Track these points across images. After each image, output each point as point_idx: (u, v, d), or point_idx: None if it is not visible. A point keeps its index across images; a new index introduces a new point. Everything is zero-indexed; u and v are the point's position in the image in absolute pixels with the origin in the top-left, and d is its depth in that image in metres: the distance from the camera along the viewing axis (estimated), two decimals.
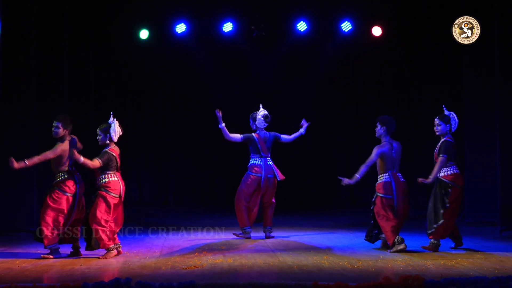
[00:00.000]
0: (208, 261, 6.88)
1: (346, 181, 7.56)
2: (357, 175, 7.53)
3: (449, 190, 7.54)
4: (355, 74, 12.66)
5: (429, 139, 11.72)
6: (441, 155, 7.56)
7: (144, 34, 11.48)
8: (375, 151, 7.64)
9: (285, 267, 6.55)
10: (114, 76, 12.15)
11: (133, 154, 12.57)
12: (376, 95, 12.66)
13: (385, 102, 12.52)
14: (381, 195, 7.55)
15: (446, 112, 7.77)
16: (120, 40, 11.73)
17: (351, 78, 12.71)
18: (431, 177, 7.55)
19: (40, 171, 9.31)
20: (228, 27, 11.66)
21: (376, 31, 11.60)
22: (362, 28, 11.78)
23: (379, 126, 7.76)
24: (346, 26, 11.68)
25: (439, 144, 7.70)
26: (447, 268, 6.44)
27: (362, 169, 7.56)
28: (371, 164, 7.62)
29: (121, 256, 7.22)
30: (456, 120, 7.75)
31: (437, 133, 7.73)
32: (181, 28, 11.58)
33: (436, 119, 7.73)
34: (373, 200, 7.69)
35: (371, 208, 7.70)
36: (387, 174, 7.58)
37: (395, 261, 6.84)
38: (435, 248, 7.52)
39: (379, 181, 7.63)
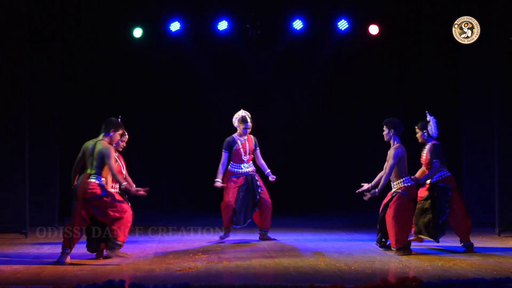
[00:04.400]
0: (202, 262, 6.89)
1: (368, 195, 7.52)
2: (377, 189, 7.51)
3: (449, 193, 7.62)
4: (352, 73, 12.65)
5: None
6: (434, 161, 7.63)
7: (137, 32, 11.42)
8: (392, 153, 7.53)
9: (281, 269, 6.56)
10: (106, 75, 12.10)
11: (127, 154, 12.52)
12: (373, 94, 12.67)
13: (382, 102, 12.53)
14: (409, 197, 7.47)
15: (428, 117, 7.82)
16: (113, 39, 11.67)
17: (347, 77, 12.70)
18: (425, 181, 7.64)
19: (32, 172, 9.30)
20: (223, 25, 11.63)
21: (373, 29, 11.58)
22: (359, 27, 11.76)
23: (386, 130, 7.68)
24: (342, 24, 11.66)
25: (427, 148, 7.77)
26: (445, 270, 6.46)
27: (384, 179, 7.48)
28: (393, 170, 7.50)
29: (115, 258, 7.18)
30: (435, 124, 7.81)
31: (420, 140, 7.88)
32: (175, 26, 11.54)
33: (416, 127, 7.86)
34: (391, 201, 7.54)
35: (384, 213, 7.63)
36: (407, 177, 7.54)
37: (392, 263, 6.86)
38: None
39: (404, 184, 7.50)
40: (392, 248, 7.46)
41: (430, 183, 7.74)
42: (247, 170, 8.61)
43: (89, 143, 7.14)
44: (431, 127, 7.80)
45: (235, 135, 8.67)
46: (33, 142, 9.36)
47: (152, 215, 11.38)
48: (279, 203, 12.39)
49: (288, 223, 10.43)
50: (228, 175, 8.62)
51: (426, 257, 7.21)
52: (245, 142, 8.63)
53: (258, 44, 12.14)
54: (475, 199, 9.85)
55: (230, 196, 8.46)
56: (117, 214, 7.01)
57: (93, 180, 6.99)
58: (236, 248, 7.92)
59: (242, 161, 8.59)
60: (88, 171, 7.02)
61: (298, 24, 11.73)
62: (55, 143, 10.14)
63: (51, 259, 7.12)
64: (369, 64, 12.48)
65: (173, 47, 12.10)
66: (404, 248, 7.37)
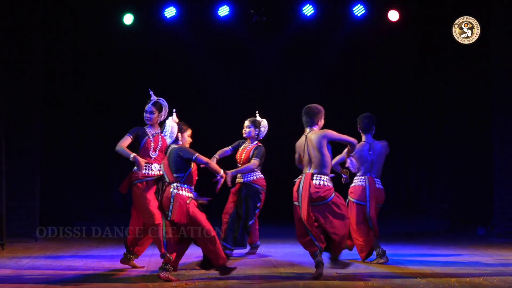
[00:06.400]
0: (201, 277, 6.80)
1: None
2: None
3: (261, 195, 8.15)
4: (368, 64, 12.59)
5: (451, 137, 11.70)
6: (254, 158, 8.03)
7: (128, 19, 11.43)
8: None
9: (289, 285, 6.47)
10: (94, 67, 12.06)
11: (117, 155, 12.45)
12: (392, 87, 12.59)
13: (401, 96, 12.46)
14: (352, 200, 7.68)
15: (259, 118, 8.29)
16: (101, 26, 11.67)
17: (364, 69, 12.64)
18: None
19: (9, 176, 9.24)
20: (224, 11, 11.63)
21: (393, 15, 11.57)
22: (376, 12, 11.76)
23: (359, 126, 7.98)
24: (358, 9, 11.64)
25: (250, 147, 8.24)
26: (474, 286, 6.35)
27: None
28: (339, 162, 7.84)
29: (103, 272, 7.14)
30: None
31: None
32: (170, 12, 11.55)
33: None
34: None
35: None
36: (362, 177, 7.72)
37: (414, 279, 6.74)
38: None
39: (352, 184, 7.78)
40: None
41: (241, 184, 8.13)
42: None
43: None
44: (265, 129, 8.37)
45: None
46: (10, 143, 9.29)
47: None
48: (284, 211, 12.27)
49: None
50: (134, 180, 7.52)
51: (453, 271, 7.09)
52: (157, 135, 7.73)
53: (263, 32, 12.13)
54: (508, 206, 9.71)
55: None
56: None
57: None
58: (238, 261, 7.83)
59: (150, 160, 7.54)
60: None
61: (308, 10, 11.71)
62: (36, 143, 10.03)
63: (31, 274, 7.01)
64: (388, 54, 12.41)
65: (168, 35, 12.10)
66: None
